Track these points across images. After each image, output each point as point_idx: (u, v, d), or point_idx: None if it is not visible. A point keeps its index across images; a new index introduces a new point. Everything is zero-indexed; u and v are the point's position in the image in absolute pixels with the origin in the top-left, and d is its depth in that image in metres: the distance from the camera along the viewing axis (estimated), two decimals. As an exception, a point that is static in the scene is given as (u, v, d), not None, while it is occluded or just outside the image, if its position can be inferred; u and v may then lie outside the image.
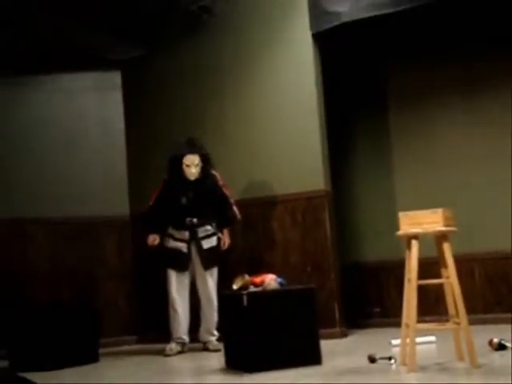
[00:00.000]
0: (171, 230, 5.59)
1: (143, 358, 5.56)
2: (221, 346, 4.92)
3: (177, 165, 5.49)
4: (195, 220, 5.52)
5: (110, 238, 6.63)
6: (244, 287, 4.50)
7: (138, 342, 6.49)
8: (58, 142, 6.53)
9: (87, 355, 5.29)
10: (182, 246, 5.54)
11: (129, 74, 6.89)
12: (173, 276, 5.54)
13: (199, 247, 5.54)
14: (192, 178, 5.49)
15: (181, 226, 5.54)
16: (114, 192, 6.70)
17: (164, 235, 5.62)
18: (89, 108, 6.75)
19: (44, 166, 6.42)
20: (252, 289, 4.50)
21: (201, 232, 5.56)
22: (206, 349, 5.48)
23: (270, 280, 4.55)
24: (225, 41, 6.43)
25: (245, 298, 4.29)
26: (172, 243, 5.57)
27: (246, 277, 4.57)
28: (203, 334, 5.54)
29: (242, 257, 6.08)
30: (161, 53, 6.71)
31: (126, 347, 6.29)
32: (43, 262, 6.23)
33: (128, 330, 6.50)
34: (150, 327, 6.46)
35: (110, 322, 6.30)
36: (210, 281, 5.53)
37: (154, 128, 6.73)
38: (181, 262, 5.54)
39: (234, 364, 4.43)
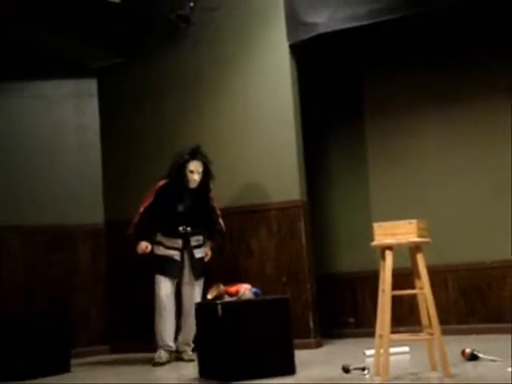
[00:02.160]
0: (161, 238, 5.47)
1: (116, 368, 5.51)
2: (195, 356, 4.89)
3: (180, 169, 5.39)
4: (189, 229, 5.45)
5: (85, 247, 6.57)
6: (219, 297, 4.49)
7: (112, 351, 6.43)
8: (34, 150, 6.46)
9: (59, 365, 5.23)
10: (175, 254, 5.43)
11: (105, 82, 6.86)
12: (162, 282, 5.39)
13: (191, 256, 5.46)
14: (193, 185, 5.41)
15: (173, 234, 5.43)
16: (89, 200, 6.65)
17: (151, 242, 5.48)
18: (66, 115, 6.70)
19: (19, 174, 6.34)
20: (227, 298, 4.49)
21: (193, 241, 5.49)
22: (180, 358, 5.44)
23: (245, 290, 4.55)
24: (202, 51, 6.43)
25: (219, 308, 4.27)
26: (163, 250, 5.45)
27: (221, 286, 4.55)
28: (180, 344, 5.50)
29: (218, 266, 6.06)
30: (138, 61, 6.69)
31: (99, 357, 6.22)
32: (17, 271, 6.15)
33: (101, 339, 6.44)
34: (124, 337, 6.41)
35: (83, 331, 6.25)
36: (197, 290, 5.46)
37: (129, 136, 6.70)
38: (174, 270, 5.42)
39: (209, 374, 4.41)
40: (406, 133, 6.49)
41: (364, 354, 4.78)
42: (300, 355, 4.55)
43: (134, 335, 6.37)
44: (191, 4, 6.24)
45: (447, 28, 6.15)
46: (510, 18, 5.92)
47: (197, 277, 5.47)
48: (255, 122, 6.16)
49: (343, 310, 6.54)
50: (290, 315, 4.48)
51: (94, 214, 6.63)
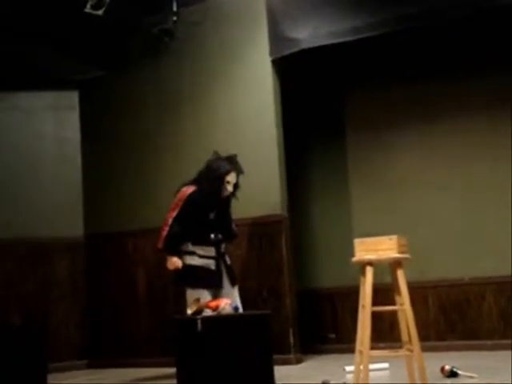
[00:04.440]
0: (192, 247, 5.16)
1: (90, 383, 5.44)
2: None
3: (219, 179, 5.19)
4: (220, 236, 5.26)
5: (63, 260, 6.52)
6: (199, 312, 4.45)
7: (89, 366, 6.35)
8: (13, 161, 6.42)
9: (35, 381, 5.14)
10: (210, 263, 5.15)
11: (86, 95, 6.84)
12: (203, 295, 5.01)
13: (225, 263, 5.26)
14: (226, 194, 5.24)
15: (206, 242, 5.18)
16: (69, 213, 6.60)
17: (180, 253, 5.16)
18: (45, 127, 6.67)
19: (-2, 186, 6.30)
20: (206, 313, 4.45)
21: (222, 248, 5.28)
22: None
23: (225, 305, 4.51)
24: (185, 65, 6.43)
25: (199, 323, 4.23)
26: (198, 260, 5.15)
27: (201, 301, 4.52)
28: None
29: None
30: (120, 74, 6.68)
31: (75, 372, 6.14)
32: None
33: (79, 354, 6.36)
34: (102, 351, 6.35)
35: (60, 345, 6.17)
36: (237, 297, 5.22)
37: (110, 149, 6.67)
38: (213, 279, 5.14)
39: (187, 390, 4.36)
40: (387, 148, 6.53)
41: (344, 370, 4.77)
42: (280, 371, 4.52)
43: (112, 350, 6.31)
44: (174, 18, 6.24)
45: (427, 45, 6.22)
46: (487, 37, 6.00)
47: (233, 283, 5.23)
48: (237, 137, 6.16)
49: (323, 325, 6.52)
50: (270, 331, 4.45)
51: (74, 226, 6.57)
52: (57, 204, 6.55)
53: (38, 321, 6.04)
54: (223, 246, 5.28)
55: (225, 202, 5.31)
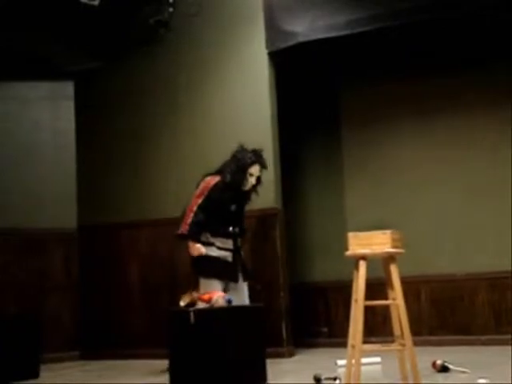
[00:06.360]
0: (212, 238, 5.12)
1: (85, 374, 5.44)
2: None
3: (243, 171, 5.15)
4: (237, 229, 5.24)
5: (57, 251, 6.50)
6: (191, 304, 4.45)
7: (82, 357, 6.35)
8: (9, 151, 6.41)
9: (27, 370, 5.15)
10: (228, 256, 5.14)
11: (82, 85, 6.81)
12: (214, 285, 4.99)
13: (240, 257, 5.25)
14: (247, 187, 5.21)
15: (224, 235, 5.14)
16: (63, 204, 6.58)
17: (199, 243, 5.08)
18: (41, 117, 6.64)
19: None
20: (199, 306, 4.45)
21: (239, 242, 5.26)
22: None
23: (218, 297, 4.52)
24: (181, 57, 6.41)
25: (192, 315, 4.24)
26: (216, 252, 5.12)
27: (194, 294, 4.52)
28: None
29: (191, 273, 6.03)
30: (116, 65, 6.65)
31: (68, 363, 6.14)
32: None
33: (71, 345, 6.36)
34: (94, 342, 6.35)
35: (53, 336, 6.16)
36: (246, 292, 5.21)
37: (106, 141, 6.65)
38: (230, 271, 5.11)
39: (180, 382, 4.36)
40: (382, 143, 6.53)
41: (336, 364, 4.78)
42: (272, 364, 4.53)
43: (104, 341, 6.31)
44: (170, 9, 6.22)
45: (424, 40, 6.20)
46: (484, 31, 5.99)
47: (246, 278, 5.22)
48: (233, 129, 6.14)
49: (316, 319, 6.53)
50: (263, 324, 4.46)
51: (68, 218, 6.56)
52: (52, 194, 6.54)
53: (32, 311, 6.03)
54: (239, 240, 5.26)
55: (246, 196, 5.28)
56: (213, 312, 4.41)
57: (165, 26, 6.29)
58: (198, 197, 5.08)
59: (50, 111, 6.70)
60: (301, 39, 5.87)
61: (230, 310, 4.48)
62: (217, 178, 5.14)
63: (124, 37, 6.58)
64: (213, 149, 6.19)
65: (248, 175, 5.17)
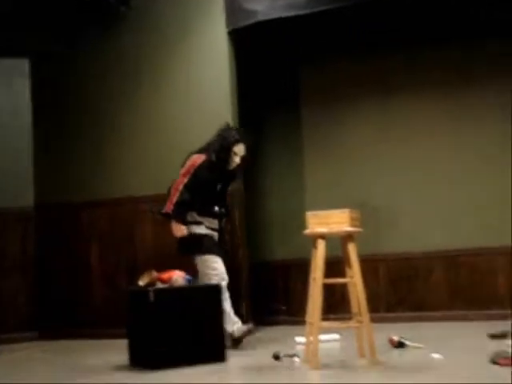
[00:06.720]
0: (199, 218, 5.00)
1: (44, 354, 5.40)
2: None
3: (227, 150, 5.02)
4: (223, 209, 5.15)
5: (14, 230, 6.41)
6: (151, 284, 4.45)
7: (41, 337, 6.30)
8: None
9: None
10: (215, 235, 5.05)
11: (38, 63, 6.67)
12: (216, 258, 4.91)
13: (224, 238, 5.18)
14: (232, 167, 5.09)
15: (210, 214, 5.04)
16: (20, 182, 6.47)
17: (186, 223, 4.96)
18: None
19: None
20: (159, 285, 4.45)
21: (223, 223, 5.18)
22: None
23: (178, 277, 4.53)
24: (142, 36, 6.33)
25: (151, 295, 4.24)
26: (205, 230, 5.00)
27: (153, 273, 4.52)
28: None
29: (151, 254, 6.01)
30: (76, 45, 6.51)
31: (27, 344, 6.08)
32: None
33: (29, 325, 6.29)
34: (52, 322, 6.29)
35: (9, 317, 6.09)
36: None
37: (62, 119, 6.55)
38: (221, 250, 5.04)
39: (139, 361, 4.37)
40: (342, 121, 6.56)
41: (295, 341, 4.83)
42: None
43: (64, 321, 6.27)
44: (130, -14, 6.13)
45: (384, 18, 6.21)
46: (445, 10, 6.03)
47: (227, 259, 5.13)
48: (193, 108, 6.12)
49: (275, 297, 6.59)
50: (222, 302, 4.49)
51: (24, 196, 6.45)
52: (8, 172, 6.41)
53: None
54: (223, 220, 5.19)
55: (231, 175, 5.20)
56: (172, 291, 4.42)
57: (125, 3, 6.20)
58: (184, 175, 4.94)
59: (5, 89, 6.56)
60: (261, 18, 5.84)
61: (188, 289, 4.50)
62: (203, 157, 5.01)
63: (85, 15, 6.44)
64: (175, 126, 6.16)
65: (232, 154, 5.05)
